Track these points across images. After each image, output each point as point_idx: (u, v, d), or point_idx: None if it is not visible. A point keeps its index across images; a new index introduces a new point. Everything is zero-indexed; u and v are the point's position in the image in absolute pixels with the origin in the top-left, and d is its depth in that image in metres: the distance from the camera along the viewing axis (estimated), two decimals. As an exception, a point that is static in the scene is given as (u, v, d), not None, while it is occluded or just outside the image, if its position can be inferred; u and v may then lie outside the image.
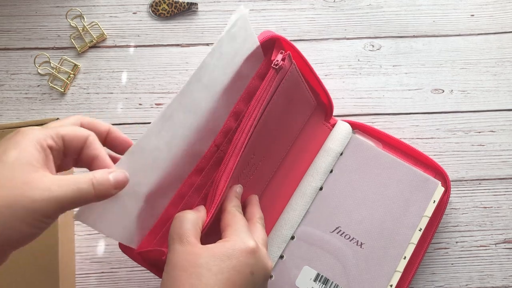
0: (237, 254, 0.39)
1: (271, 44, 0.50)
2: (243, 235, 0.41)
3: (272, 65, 0.47)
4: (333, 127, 0.58)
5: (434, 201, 0.55)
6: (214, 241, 0.41)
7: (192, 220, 0.41)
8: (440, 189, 0.55)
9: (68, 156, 0.37)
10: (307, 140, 0.57)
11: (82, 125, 0.38)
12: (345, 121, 0.59)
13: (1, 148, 0.34)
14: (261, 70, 0.50)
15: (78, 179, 0.34)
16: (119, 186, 0.37)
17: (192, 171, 0.47)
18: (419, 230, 0.54)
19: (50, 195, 0.32)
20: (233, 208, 0.45)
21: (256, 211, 0.48)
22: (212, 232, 0.43)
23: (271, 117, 0.49)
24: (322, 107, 0.58)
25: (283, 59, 0.48)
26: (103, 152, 0.37)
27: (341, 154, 0.57)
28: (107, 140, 0.40)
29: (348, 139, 0.58)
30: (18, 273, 0.51)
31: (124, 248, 0.45)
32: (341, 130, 0.58)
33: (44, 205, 0.32)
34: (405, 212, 0.54)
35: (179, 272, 0.37)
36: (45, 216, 0.32)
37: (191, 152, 0.46)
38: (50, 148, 0.35)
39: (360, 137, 0.58)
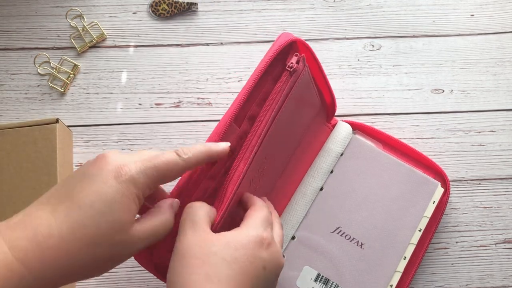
0: (251, 245, 0.38)
1: (288, 48, 0.49)
2: (259, 226, 0.40)
3: (286, 67, 0.46)
4: (333, 127, 0.58)
5: (434, 201, 0.55)
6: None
7: (205, 209, 0.40)
8: (440, 190, 0.55)
9: None
10: (308, 141, 0.57)
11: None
12: (345, 121, 0.59)
13: (102, 202, 0.35)
14: (276, 73, 0.49)
15: (156, 227, 0.38)
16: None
17: (208, 175, 0.46)
18: (419, 231, 0.54)
19: (138, 248, 0.37)
20: (261, 203, 0.43)
21: (274, 213, 0.47)
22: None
23: (283, 120, 0.48)
24: (324, 108, 0.58)
25: (297, 62, 0.47)
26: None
27: (342, 154, 0.57)
28: None
29: (348, 139, 0.57)
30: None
31: (140, 259, 0.43)
32: (342, 131, 0.58)
33: (131, 255, 0.37)
34: (405, 213, 0.54)
35: (192, 260, 0.36)
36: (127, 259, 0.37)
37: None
38: (144, 196, 0.37)
39: (361, 138, 0.58)
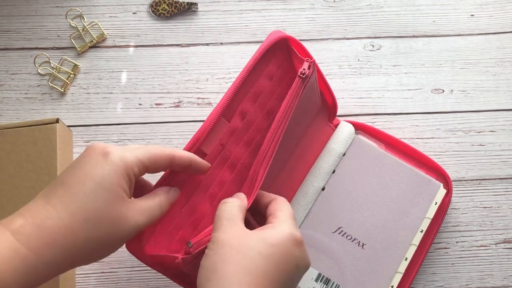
0: (286, 242, 0.38)
1: (280, 45, 0.50)
2: (291, 224, 0.41)
3: (299, 74, 0.47)
4: (336, 127, 0.58)
5: (436, 203, 0.55)
6: None
7: (239, 206, 0.41)
8: (442, 191, 0.55)
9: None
10: (310, 140, 0.57)
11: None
12: (347, 121, 0.59)
13: (93, 181, 0.37)
14: (269, 70, 0.49)
15: (152, 207, 0.41)
16: (172, 201, 0.43)
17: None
18: (421, 232, 0.54)
19: (135, 225, 0.39)
20: (282, 198, 0.44)
21: None
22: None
23: (290, 123, 0.49)
24: (326, 108, 0.58)
25: (308, 67, 0.47)
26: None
27: (344, 154, 0.57)
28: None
29: (350, 139, 0.58)
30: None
31: (132, 249, 0.44)
32: (344, 131, 0.58)
33: (130, 235, 0.39)
34: (407, 214, 0.54)
35: (229, 250, 0.37)
36: (127, 240, 0.39)
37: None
38: (135, 175, 0.39)
39: (363, 138, 0.58)
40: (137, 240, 0.43)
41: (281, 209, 0.42)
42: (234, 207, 0.41)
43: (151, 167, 0.40)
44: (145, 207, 0.40)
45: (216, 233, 0.39)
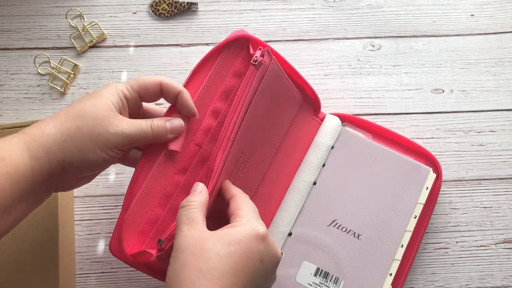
0: (246, 239, 0.39)
1: (244, 43, 0.51)
2: (254, 220, 0.41)
3: (251, 61, 0.48)
4: (322, 121, 0.59)
5: (427, 187, 0.56)
6: (214, 226, 0.41)
7: (199, 205, 0.41)
8: (432, 176, 0.56)
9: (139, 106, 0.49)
10: (297, 136, 0.58)
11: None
12: (333, 114, 0.59)
13: (89, 96, 0.45)
14: (236, 68, 0.50)
15: (141, 122, 0.45)
16: (175, 131, 0.47)
17: (175, 170, 0.48)
18: (414, 218, 0.55)
19: (119, 130, 0.43)
20: (242, 194, 0.45)
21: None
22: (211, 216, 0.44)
23: (256, 114, 0.50)
24: (309, 102, 0.59)
25: (262, 55, 0.49)
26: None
27: (332, 147, 0.58)
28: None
29: (338, 132, 0.58)
30: (18, 273, 0.51)
31: (115, 252, 0.46)
32: (331, 124, 0.58)
33: (114, 137, 0.43)
34: (399, 201, 0.55)
35: (187, 255, 0.38)
36: (114, 146, 0.43)
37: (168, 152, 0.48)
38: (126, 98, 0.45)
39: (350, 130, 0.59)
40: (117, 241, 0.45)
41: (240, 207, 0.43)
42: (192, 209, 0.41)
43: (141, 91, 0.46)
44: (133, 122, 0.44)
45: (176, 240, 0.40)
